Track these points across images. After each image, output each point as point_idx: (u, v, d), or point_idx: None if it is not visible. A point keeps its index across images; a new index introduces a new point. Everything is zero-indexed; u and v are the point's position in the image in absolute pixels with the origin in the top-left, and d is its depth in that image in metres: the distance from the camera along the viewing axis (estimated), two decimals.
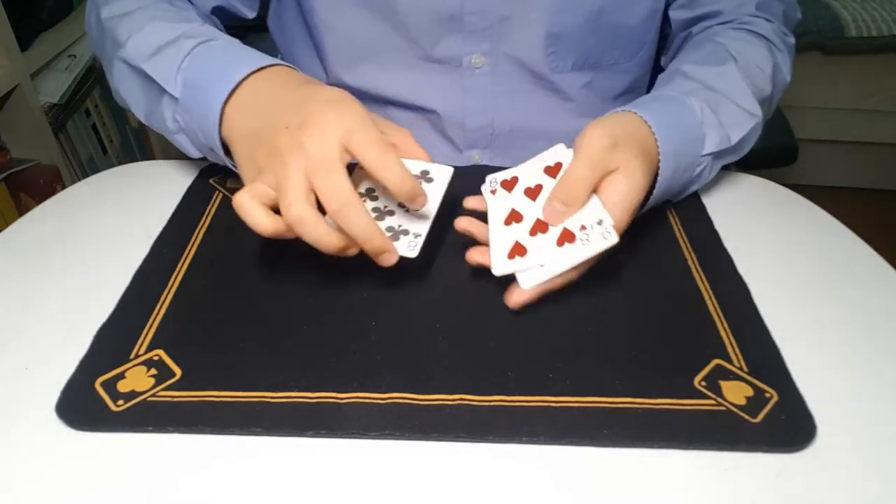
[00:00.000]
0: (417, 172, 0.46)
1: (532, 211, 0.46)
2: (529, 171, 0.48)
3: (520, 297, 0.44)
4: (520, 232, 0.45)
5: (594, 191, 0.44)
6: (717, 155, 0.54)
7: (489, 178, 0.49)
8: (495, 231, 0.46)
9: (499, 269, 0.43)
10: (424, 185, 0.45)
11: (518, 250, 0.44)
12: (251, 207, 0.41)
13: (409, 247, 0.43)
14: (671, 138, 0.49)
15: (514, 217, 0.46)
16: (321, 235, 0.41)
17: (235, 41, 0.52)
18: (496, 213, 0.47)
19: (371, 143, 0.41)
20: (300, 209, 0.40)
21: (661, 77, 0.59)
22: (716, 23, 0.64)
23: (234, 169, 0.50)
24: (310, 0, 0.62)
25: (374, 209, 0.45)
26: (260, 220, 0.41)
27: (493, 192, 0.48)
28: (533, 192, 0.47)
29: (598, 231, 0.42)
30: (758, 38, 0.61)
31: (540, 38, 0.61)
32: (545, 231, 0.44)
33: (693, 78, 0.56)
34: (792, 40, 0.65)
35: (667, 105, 0.52)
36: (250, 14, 0.66)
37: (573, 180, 0.44)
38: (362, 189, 0.47)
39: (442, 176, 0.46)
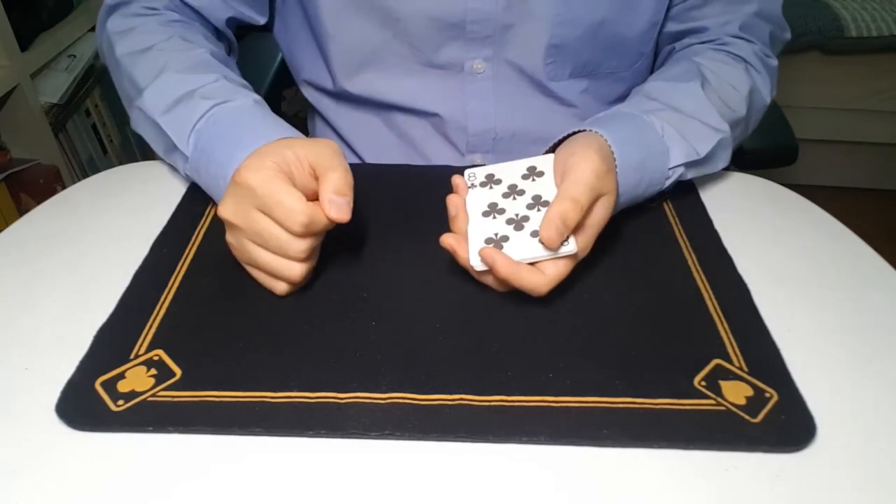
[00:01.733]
0: (525, 170, 0.48)
1: (510, 208, 0.47)
2: (510, 172, 0.49)
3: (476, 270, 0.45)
4: (497, 225, 0.46)
5: None
6: (687, 166, 0.54)
7: (468, 172, 0.50)
8: (473, 222, 0.47)
9: (474, 261, 0.44)
10: (538, 180, 0.48)
11: (494, 243, 0.45)
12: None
13: (567, 246, 0.43)
14: (631, 154, 0.50)
15: (492, 210, 0.47)
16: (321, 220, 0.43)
17: (249, 103, 0.52)
18: (475, 206, 0.48)
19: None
20: (295, 219, 0.42)
21: (629, 96, 0.60)
22: (698, 41, 0.65)
23: None
24: (314, 8, 0.62)
25: (509, 220, 0.46)
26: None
27: (472, 186, 0.49)
28: (512, 192, 0.48)
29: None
30: (736, 60, 0.62)
31: (541, 49, 0.61)
32: (521, 229, 0.45)
33: (655, 98, 0.56)
34: (774, 62, 0.65)
35: (625, 122, 0.53)
36: (262, 20, 0.67)
37: (577, 206, 0.44)
38: (486, 206, 0.47)
39: (547, 165, 0.49)
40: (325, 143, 0.46)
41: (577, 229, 0.44)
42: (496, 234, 0.45)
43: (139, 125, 0.57)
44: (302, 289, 0.47)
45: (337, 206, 0.42)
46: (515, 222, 0.46)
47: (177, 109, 0.53)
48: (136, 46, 0.57)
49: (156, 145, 0.57)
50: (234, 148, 0.47)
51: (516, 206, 0.47)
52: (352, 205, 0.43)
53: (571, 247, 0.43)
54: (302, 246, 0.43)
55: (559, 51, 0.62)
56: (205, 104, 0.51)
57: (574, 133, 0.52)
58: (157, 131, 0.54)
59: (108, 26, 0.60)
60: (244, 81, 0.57)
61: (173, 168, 0.60)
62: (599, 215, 0.46)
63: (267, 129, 0.48)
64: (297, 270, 0.44)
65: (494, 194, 0.48)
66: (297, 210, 0.41)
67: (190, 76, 0.54)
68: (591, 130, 0.51)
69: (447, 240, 0.46)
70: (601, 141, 0.49)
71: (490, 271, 0.44)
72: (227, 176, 0.46)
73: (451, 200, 0.48)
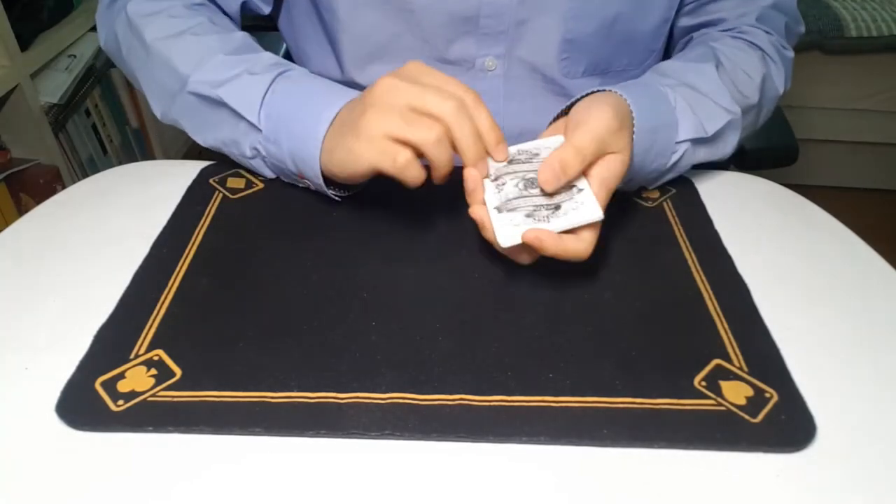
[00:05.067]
0: (529, 150, 0.49)
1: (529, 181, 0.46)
2: (533, 147, 0.49)
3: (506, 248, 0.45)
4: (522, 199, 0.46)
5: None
6: (694, 142, 0.54)
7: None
8: (490, 196, 0.46)
9: (502, 239, 0.43)
10: (537, 163, 0.47)
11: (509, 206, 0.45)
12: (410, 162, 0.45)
13: (597, 213, 0.43)
14: (647, 117, 0.50)
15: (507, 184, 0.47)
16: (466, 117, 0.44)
17: (306, 71, 0.55)
18: (492, 196, 0.46)
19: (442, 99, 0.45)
20: (439, 103, 0.44)
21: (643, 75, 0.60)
22: (716, 30, 0.65)
23: (328, 192, 0.53)
24: None
25: (540, 205, 0.45)
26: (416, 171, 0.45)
27: (487, 177, 0.48)
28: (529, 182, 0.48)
29: (581, 202, 0.44)
30: (752, 48, 0.62)
31: (555, 44, 0.61)
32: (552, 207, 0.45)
33: (671, 75, 0.57)
34: (790, 54, 0.65)
35: (643, 88, 0.53)
36: (266, 9, 0.67)
37: (579, 155, 0.44)
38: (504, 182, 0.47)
39: (551, 147, 0.48)
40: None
41: (591, 185, 0.45)
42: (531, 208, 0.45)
43: (187, 110, 0.56)
44: (301, 288, 0.47)
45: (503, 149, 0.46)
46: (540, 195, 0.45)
47: (237, 82, 0.53)
48: (169, 31, 0.57)
49: (202, 127, 0.56)
50: (321, 107, 0.50)
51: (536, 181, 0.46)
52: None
53: (599, 213, 0.43)
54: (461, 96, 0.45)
55: (573, 46, 0.61)
56: (266, 77, 0.53)
57: (590, 94, 0.52)
58: (211, 108, 0.54)
59: (130, 10, 0.58)
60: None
61: (173, 168, 0.60)
62: (614, 171, 0.46)
63: (341, 89, 0.52)
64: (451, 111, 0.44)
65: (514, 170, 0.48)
66: (462, 86, 0.45)
67: (237, 56, 0.55)
68: (607, 90, 0.51)
69: (477, 212, 0.46)
70: (619, 100, 0.50)
71: (519, 247, 0.44)
72: (320, 135, 0.49)
73: (469, 174, 0.47)
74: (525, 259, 0.46)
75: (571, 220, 0.43)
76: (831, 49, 1.61)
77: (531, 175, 0.46)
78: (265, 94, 0.52)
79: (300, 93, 0.52)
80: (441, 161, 0.45)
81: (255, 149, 0.54)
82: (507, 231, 0.43)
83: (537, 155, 0.48)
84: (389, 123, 0.45)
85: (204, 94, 0.54)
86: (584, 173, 0.46)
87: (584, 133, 0.45)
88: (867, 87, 1.69)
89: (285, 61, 0.55)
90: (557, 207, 0.44)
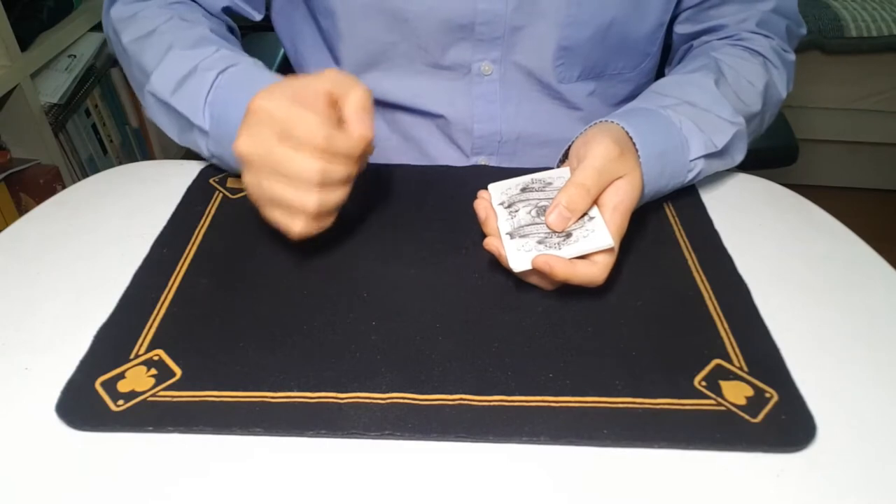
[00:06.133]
0: (542, 180, 0.50)
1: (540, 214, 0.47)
2: (534, 187, 0.50)
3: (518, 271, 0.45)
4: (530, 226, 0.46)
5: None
6: (706, 157, 0.54)
7: (494, 193, 0.50)
8: (503, 222, 0.47)
9: (514, 264, 0.44)
10: (550, 192, 0.48)
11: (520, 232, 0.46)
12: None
13: (605, 239, 0.44)
14: (651, 143, 0.50)
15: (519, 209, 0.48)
16: (350, 146, 0.42)
17: (250, 65, 0.53)
18: (503, 210, 0.48)
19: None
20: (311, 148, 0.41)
21: (640, 95, 0.60)
22: (716, 38, 0.65)
23: None
24: (327, 7, 0.62)
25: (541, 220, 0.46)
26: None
27: (501, 203, 0.49)
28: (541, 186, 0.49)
29: (591, 230, 0.45)
30: (753, 55, 0.62)
31: (550, 51, 0.61)
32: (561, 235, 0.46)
33: (669, 94, 0.57)
34: (792, 57, 0.65)
35: (642, 115, 0.53)
36: (258, 16, 0.67)
37: (583, 191, 0.45)
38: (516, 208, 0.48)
39: (564, 177, 0.49)
40: (334, 70, 0.45)
41: (603, 213, 0.45)
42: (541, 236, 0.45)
43: (152, 110, 0.57)
44: (301, 288, 0.47)
45: (360, 119, 0.43)
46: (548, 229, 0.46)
47: (184, 87, 0.53)
48: (140, 32, 0.58)
49: (170, 129, 0.57)
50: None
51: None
52: (373, 121, 0.44)
53: (609, 241, 0.44)
54: (317, 166, 0.41)
55: (568, 52, 0.61)
56: (210, 75, 0.52)
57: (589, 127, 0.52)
58: (170, 113, 0.55)
59: (112, 15, 0.60)
60: (242, 52, 0.57)
61: (173, 168, 0.60)
62: (624, 195, 0.46)
63: (275, 80, 0.48)
64: (313, 199, 0.42)
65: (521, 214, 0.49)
66: (318, 123, 0.41)
67: (191, 51, 0.54)
68: (606, 121, 0.51)
69: (491, 244, 0.46)
70: (617, 128, 0.50)
71: (533, 271, 0.44)
72: None
73: (480, 204, 0.49)
74: (538, 282, 0.46)
75: (581, 248, 0.44)
76: (831, 49, 1.61)
77: (544, 203, 0.47)
78: (207, 95, 0.52)
79: (236, 92, 0.50)
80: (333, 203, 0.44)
81: (209, 149, 0.54)
82: (518, 256, 0.44)
83: (550, 184, 0.49)
84: (265, 210, 0.45)
85: (159, 97, 0.54)
86: (595, 201, 0.46)
87: (584, 168, 0.46)
88: (867, 87, 1.68)
89: (235, 55, 0.54)
90: (569, 235, 0.45)
